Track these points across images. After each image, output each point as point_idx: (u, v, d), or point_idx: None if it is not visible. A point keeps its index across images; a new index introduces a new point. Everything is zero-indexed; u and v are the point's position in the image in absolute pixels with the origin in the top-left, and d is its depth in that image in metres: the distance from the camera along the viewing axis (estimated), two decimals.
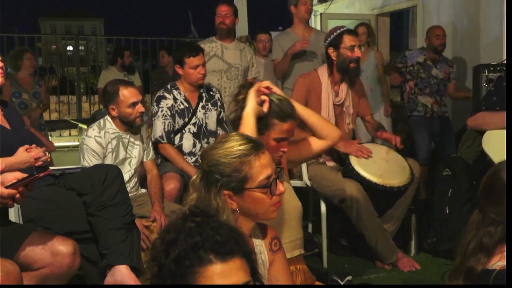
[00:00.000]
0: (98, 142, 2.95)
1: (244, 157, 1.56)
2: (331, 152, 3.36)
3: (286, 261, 1.80)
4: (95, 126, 3.02)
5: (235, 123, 2.16)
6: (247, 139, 1.61)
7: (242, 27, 5.62)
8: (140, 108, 2.99)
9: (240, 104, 2.15)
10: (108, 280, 2.34)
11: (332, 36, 3.37)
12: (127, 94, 2.96)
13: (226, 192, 1.57)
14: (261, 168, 1.57)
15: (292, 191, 2.17)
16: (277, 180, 1.61)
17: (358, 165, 3.16)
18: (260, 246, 1.70)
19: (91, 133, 2.97)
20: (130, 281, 2.32)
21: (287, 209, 2.08)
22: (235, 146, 1.58)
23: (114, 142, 3.01)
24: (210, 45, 4.15)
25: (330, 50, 3.34)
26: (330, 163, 3.37)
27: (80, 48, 10.88)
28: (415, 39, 6.62)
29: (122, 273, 2.32)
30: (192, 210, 1.17)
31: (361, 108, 3.55)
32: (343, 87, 3.40)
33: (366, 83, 5.11)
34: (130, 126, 3.04)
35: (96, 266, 2.41)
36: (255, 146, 1.59)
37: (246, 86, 2.20)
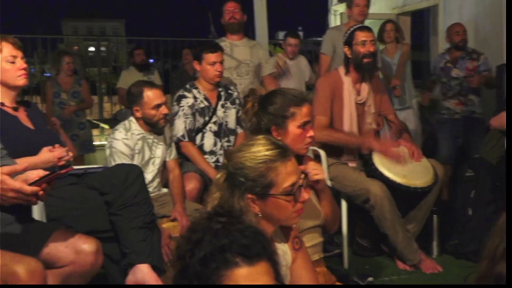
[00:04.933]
0: (126, 144, 2.98)
1: (270, 162, 1.55)
2: (353, 152, 3.34)
3: (309, 259, 1.79)
4: (121, 128, 3.04)
5: (257, 129, 2.17)
6: (274, 144, 1.60)
7: (261, 27, 5.60)
8: (163, 110, 3.01)
9: (253, 112, 2.17)
10: (130, 279, 2.36)
11: (346, 35, 3.37)
12: (151, 96, 2.99)
13: (249, 196, 1.56)
14: (286, 175, 1.56)
15: (314, 197, 2.16)
16: (302, 187, 1.60)
17: (382, 165, 3.14)
18: (282, 247, 1.70)
19: (118, 136, 3.00)
20: (151, 280, 2.33)
21: (309, 214, 2.07)
22: (261, 150, 1.57)
23: (140, 143, 3.04)
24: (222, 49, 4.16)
25: (345, 48, 3.35)
26: (352, 163, 3.35)
27: (102, 49, 10.99)
28: (437, 38, 6.55)
29: (143, 272, 2.34)
30: (217, 210, 1.17)
31: (383, 108, 3.52)
32: (365, 86, 3.38)
33: (395, 78, 5.07)
34: (154, 127, 3.06)
35: (118, 265, 2.42)
36: (282, 152, 1.58)
37: (250, 94, 2.22)
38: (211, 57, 3.44)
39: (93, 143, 5.86)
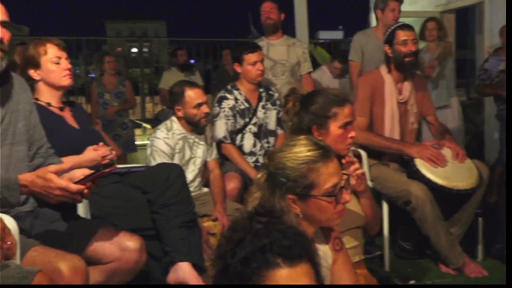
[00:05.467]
0: (167, 143, 3.01)
1: (311, 163, 1.55)
2: (394, 153, 3.29)
3: (349, 260, 1.78)
4: (162, 127, 3.08)
5: (298, 128, 2.16)
6: (316, 144, 1.59)
7: (302, 26, 5.58)
8: (205, 109, 3.04)
9: (294, 111, 2.16)
10: (171, 277, 2.39)
11: (387, 33, 3.32)
12: (192, 95, 3.02)
13: (290, 196, 1.56)
14: (328, 176, 1.55)
15: (355, 197, 2.14)
16: (343, 188, 1.58)
17: (424, 167, 3.07)
18: (323, 248, 1.69)
19: (159, 135, 3.04)
20: (192, 278, 2.35)
21: (350, 216, 2.05)
22: (303, 151, 1.56)
23: (181, 142, 3.08)
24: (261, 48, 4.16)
25: (386, 47, 3.30)
26: (393, 164, 3.30)
27: (144, 50, 11.18)
28: (482, 36, 6.37)
29: (184, 270, 2.37)
30: (257, 210, 1.18)
31: (424, 108, 3.45)
32: (407, 85, 3.32)
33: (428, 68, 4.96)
34: (195, 126, 3.09)
35: (160, 262, 2.46)
36: (324, 153, 1.57)
37: (291, 94, 2.21)
38: (251, 57, 3.46)
39: (135, 142, 5.96)
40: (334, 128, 2.10)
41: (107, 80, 5.65)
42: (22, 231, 1.87)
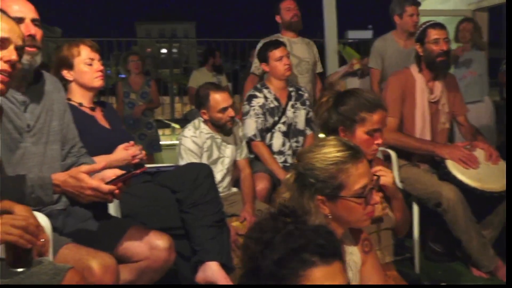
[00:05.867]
0: (194, 142, 3.04)
1: (341, 164, 1.54)
2: (424, 154, 3.24)
3: (378, 261, 1.76)
4: (190, 126, 3.11)
5: (326, 125, 2.15)
6: (345, 145, 1.58)
7: (330, 25, 5.55)
8: (230, 113, 3.05)
9: (326, 106, 2.14)
10: (199, 276, 2.41)
11: (418, 32, 3.27)
12: (217, 99, 3.03)
13: (319, 197, 1.55)
14: (358, 177, 1.54)
15: (383, 200, 2.11)
16: (373, 190, 1.57)
17: (455, 168, 3.02)
18: (352, 249, 1.68)
19: (187, 133, 3.07)
20: (220, 278, 2.36)
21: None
22: (332, 152, 1.56)
23: (209, 142, 3.10)
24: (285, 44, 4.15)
25: (417, 46, 3.25)
26: (424, 165, 3.26)
27: (173, 50, 11.28)
28: None
29: (212, 269, 2.38)
30: (282, 210, 1.18)
31: (456, 108, 3.39)
32: (438, 84, 3.27)
33: (473, 70, 4.86)
34: (221, 129, 3.11)
35: (189, 262, 2.48)
36: (353, 153, 1.56)
37: (328, 87, 2.19)
38: (276, 53, 3.48)
39: (160, 142, 6.00)
40: (360, 133, 2.07)
41: (133, 80, 5.70)
42: (54, 229, 1.90)
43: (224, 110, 3.04)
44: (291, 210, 1.19)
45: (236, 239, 2.81)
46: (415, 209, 3.23)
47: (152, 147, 5.73)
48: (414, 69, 3.29)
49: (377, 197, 1.58)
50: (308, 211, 1.53)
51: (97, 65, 2.52)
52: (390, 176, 2.03)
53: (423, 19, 5.98)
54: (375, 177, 1.62)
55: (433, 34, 3.18)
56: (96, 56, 2.53)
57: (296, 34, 4.24)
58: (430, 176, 3.16)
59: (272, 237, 1.09)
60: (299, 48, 4.17)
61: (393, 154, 3.19)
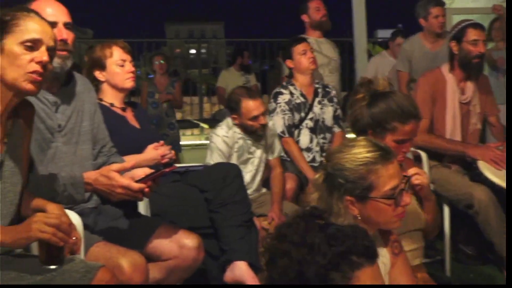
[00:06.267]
0: (225, 142, 3.03)
1: (371, 165, 1.52)
2: (455, 155, 3.19)
3: (409, 264, 1.74)
4: (223, 125, 3.10)
5: (356, 124, 2.11)
6: (375, 146, 1.56)
7: (360, 24, 5.50)
8: (261, 120, 3.02)
9: (360, 104, 2.09)
10: (228, 275, 2.42)
11: (456, 29, 3.20)
12: (249, 106, 2.99)
13: (348, 198, 1.54)
14: (388, 178, 1.52)
15: (415, 200, 2.08)
16: (403, 191, 1.55)
17: (487, 169, 2.96)
18: (381, 251, 1.66)
19: (219, 132, 3.06)
20: (249, 278, 2.37)
21: (410, 219, 1.99)
22: (362, 152, 1.54)
23: (240, 141, 3.09)
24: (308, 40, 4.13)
25: (452, 44, 3.17)
26: (455, 166, 3.20)
27: (202, 51, 11.36)
28: None
29: (241, 269, 2.38)
30: (312, 211, 1.17)
31: (487, 108, 3.33)
32: (470, 84, 3.21)
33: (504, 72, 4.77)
34: (252, 134, 3.09)
35: (217, 261, 2.49)
36: (384, 154, 1.54)
37: (364, 84, 2.12)
38: (299, 47, 3.48)
39: (180, 142, 6.04)
40: (389, 140, 2.00)
41: (159, 80, 5.76)
42: (86, 227, 1.93)
43: (255, 118, 3.01)
44: (321, 211, 1.19)
45: (264, 239, 2.81)
46: (446, 210, 3.17)
47: (173, 147, 5.77)
48: (445, 69, 3.24)
49: (407, 198, 1.56)
50: (337, 212, 1.52)
51: (129, 66, 2.56)
52: (425, 176, 1.99)
53: (455, 18, 5.90)
54: (405, 178, 1.60)
55: (473, 34, 3.10)
56: (128, 57, 2.56)
57: (322, 34, 4.22)
58: (462, 177, 3.10)
59: (313, 241, 1.09)
60: (327, 48, 4.17)
61: (423, 155, 3.14)
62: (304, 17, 4.24)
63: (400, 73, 4.36)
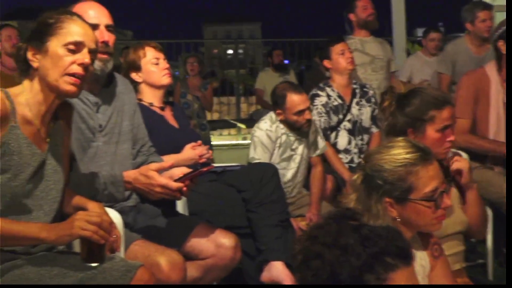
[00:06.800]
0: (268, 136, 3.03)
1: (410, 166, 1.50)
2: (498, 156, 3.10)
3: (449, 267, 1.71)
4: (267, 119, 3.09)
5: (393, 129, 2.09)
6: (415, 146, 1.54)
7: (399, 23, 5.42)
8: (307, 115, 3.01)
9: (389, 110, 2.09)
10: (265, 275, 2.42)
11: (502, 28, 3.10)
12: (295, 101, 2.99)
13: (387, 199, 1.52)
14: (428, 179, 1.50)
15: (457, 200, 2.03)
16: (444, 193, 1.52)
17: None
18: (421, 254, 1.63)
19: (263, 126, 3.06)
20: (286, 278, 2.36)
21: (451, 221, 1.95)
22: (401, 153, 1.52)
23: (284, 137, 3.08)
24: (348, 42, 4.08)
25: (500, 43, 3.08)
26: (498, 168, 3.12)
27: (239, 51, 11.41)
28: None
29: (278, 269, 2.38)
30: (345, 212, 1.16)
31: None
32: None
33: None
34: (297, 130, 3.08)
35: (254, 260, 2.49)
36: (423, 155, 1.52)
37: (388, 91, 2.13)
38: (337, 47, 3.45)
39: (211, 143, 6.09)
40: (431, 131, 2.00)
41: (192, 81, 5.84)
42: (125, 225, 1.97)
43: (300, 113, 3.00)
44: (354, 212, 1.18)
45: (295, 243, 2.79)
46: (489, 213, 3.09)
47: None
48: (490, 68, 3.15)
49: (448, 200, 1.53)
50: (376, 213, 1.50)
51: (163, 63, 2.60)
52: (465, 161, 1.95)
53: (498, 16, 5.74)
54: (446, 180, 1.57)
55: None
56: (161, 55, 2.61)
57: (369, 33, 4.17)
58: (505, 179, 3.02)
59: (347, 242, 1.08)
60: (372, 47, 4.11)
61: (465, 156, 3.07)
62: (351, 16, 4.21)
63: (441, 76, 4.28)
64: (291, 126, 3.05)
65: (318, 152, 3.20)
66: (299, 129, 3.06)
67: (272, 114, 3.10)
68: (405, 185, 1.50)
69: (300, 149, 3.13)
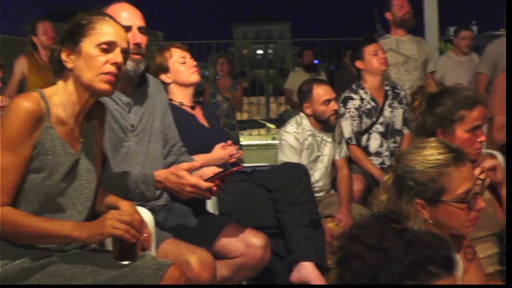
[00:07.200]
0: (296, 138, 3.05)
1: (443, 167, 1.47)
2: None
3: (482, 270, 1.68)
4: (293, 122, 3.12)
5: (422, 129, 2.06)
6: (448, 147, 1.51)
7: (431, 21, 5.33)
8: (333, 105, 3.05)
9: (420, 110, 2.05)
10: (294, 276, 2.41)
11: None
12: (320, 92, 3.04)
13: (419, 201, 1.49)
14: (460, 181, 1.47)
15: (492, 201, 1.99)
16: (477, 194, 1.49)
17: None
18: None
19: (289, 129, 3.08)
20: (315, 278, 2.35)
21: (484, 223, 1.91)
22: (433, 154, 1.50)
23: (310, 139, 3.10)
24: (384, 41, 4.04)
25: None
26: None
27: (269, 51, 11.41)
28: None
29: (307, 270, 2.37)
30: (387, 214, 1.14)
31: None
32: None
33: None
34: (324, 124, 3.10)
35: (283, 261, 2.49)
36: (456, 156, 1.49)
37: (418, 92, 2.10)
38: (370, 48, 3.42)
39: (240, 143, 6.09)
40: (461, 132, 1.95)
41: (222, 82, 5.87)
42: (156, 224, 1.99)
43: (327, 102, 3.03)
44: (397, 215, 1.16)
45: (332, 241, 2.77)
46: None
47: None
48: None
49: (481, 202, 1.50)
50: (407, 214, 1.48)
51: (190, 61, 2.63)
52: (496, 160, 1.91)
53: None
54: (480, 181, 1.54)
55: None
56: (187, 54, 2.64)
57: (405, 32, 4.12)
58: None
59: (389, 246, 1.06)
60: (407, 46, 4.05)
61: (499, 156, 3.00)
62: (388, 15, 4.15)
63: (480, 75, 4.19)
64: (318, 120, 3.06)
65: (342, 155, 3.19)
66: (326, 122, 3.06)
67: (297, 117, 3.13)
68: (437, 187, 1.47)
69: (327, 149, 3.13)
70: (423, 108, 2.04)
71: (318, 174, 3.10)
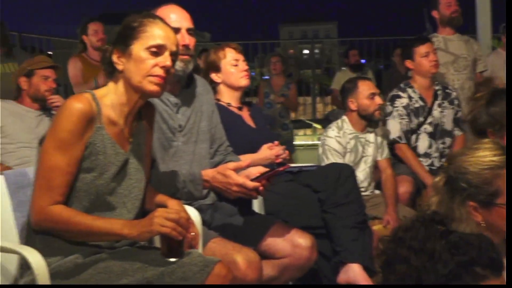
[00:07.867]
0: (338, 142, 3.05)
1: (497, 169, 1.43)
2: None
3: None
4: (333, 126, 3.12)
5: (474, 124, 2.00)
6: (503, 149, 1.47)
7: (484, 19, 5.16)
8: (378, 100, 3.03)
9: (479, 103, 1.99)
10: (341, 277, 2.38)
11: None
12: (365, 86, 3.06)
13: (471, 203, 1.45)
14: None
15: None
16: None
17: None
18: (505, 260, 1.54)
19: (331, 134, 3.08)
20: (363, 281, 2.32)
21: None
22: (488, 156, 1.45)
23: (352, 142, 3.09)
24: (432, 40, 3.94)
25: None
26: None
27: (315, 51, 11.34)
28: None
29: (354, 271, 2.34)
30: (433, 216, 1.12)
31: None
32: None
33: None
34: (369, 120, 3.06)
35: (329, 261, 2.47)
36: None
37: (483, 83, 2.02)
38: (422, 48, 3.34)
39: (293, 143, 6.05)
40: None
41: (275, 81, 5.88)
42: (203, 222, 2.01)
43: (372, 96, 3.02)
44: (443, 217, 1.13)
45: (379, 244, 2.73)
46: None
47: (287, 148, 5.78)
48: None
49: None
50: (459, 217, 1.44)
51: (242, 65, 2.63)
52: None
53: None
54: None
55: None
56: (240, 57, 2.64)
57: (453, 30, 4.02)
58: None
59: (434, 247, 1.04)
60: (456, 45, 3.95)
61: None
62: (435, 13, 4.06)
63: None
64: (363, 116, 3.05)
65: (384, 155, 3.16)
66: (371, 117, 3.03)
67: (338, 122, 3.12)
68: (491, 189, 1.43)
69: (371, 150, 3.12)
70: (483, 103, 1.98)
71: (362, 175, 3.07)
